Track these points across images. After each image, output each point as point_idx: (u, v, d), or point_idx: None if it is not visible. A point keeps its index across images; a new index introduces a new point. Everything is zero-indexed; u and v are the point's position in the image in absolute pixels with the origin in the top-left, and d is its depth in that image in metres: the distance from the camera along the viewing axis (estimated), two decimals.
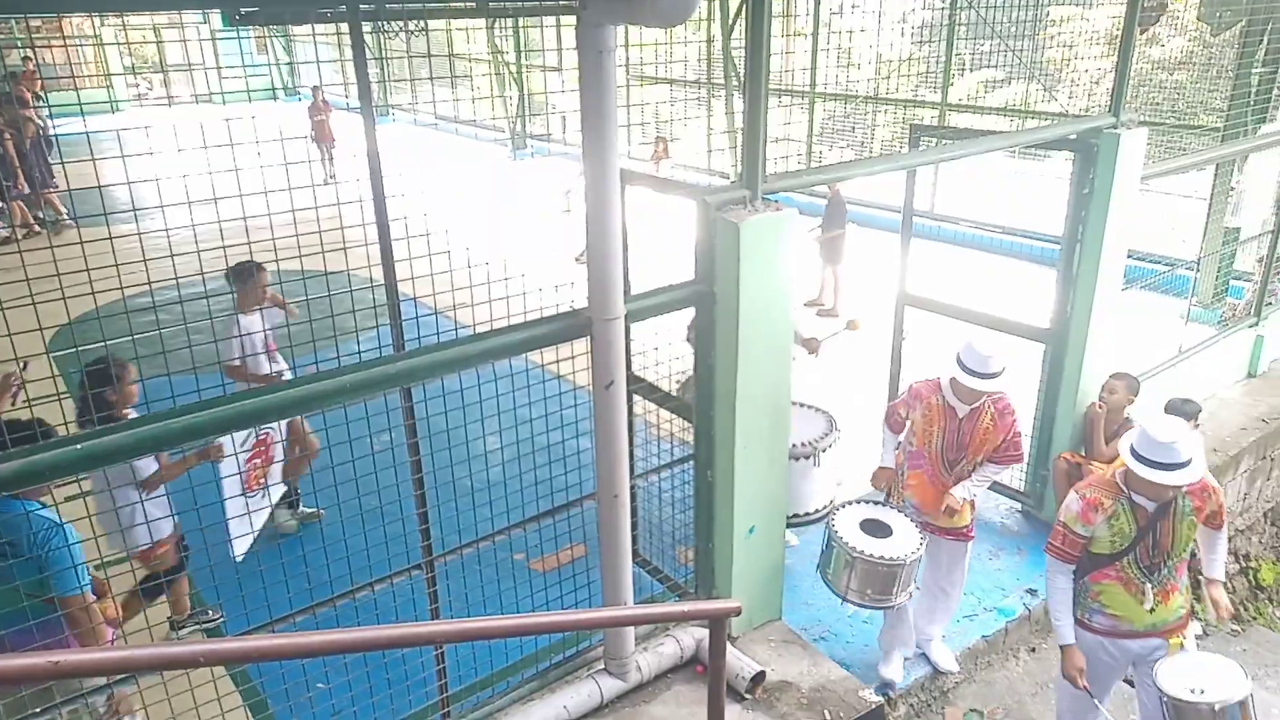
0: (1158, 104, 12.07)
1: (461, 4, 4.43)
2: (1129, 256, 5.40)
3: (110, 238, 2.86)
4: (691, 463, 4.19)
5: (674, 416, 4.40)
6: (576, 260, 9.06)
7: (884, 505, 4.22)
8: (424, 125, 20.01)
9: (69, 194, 9.66)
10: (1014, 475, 5.40)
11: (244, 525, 4.16)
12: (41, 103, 17.83)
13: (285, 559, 4.62)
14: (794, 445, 4.71)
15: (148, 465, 4.07)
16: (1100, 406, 5.07)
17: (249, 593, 3.90)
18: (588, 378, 3.54)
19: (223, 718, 3.16)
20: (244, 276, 4.92)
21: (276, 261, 3.48)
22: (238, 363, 4.87)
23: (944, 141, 5.48)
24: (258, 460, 4.43)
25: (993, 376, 3.86)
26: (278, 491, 4.70)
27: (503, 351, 3.26)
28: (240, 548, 4.16)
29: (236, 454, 4.09)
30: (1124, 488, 3.38)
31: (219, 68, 20.92)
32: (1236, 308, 7.52)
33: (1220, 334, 7.02)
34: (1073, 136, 4.96)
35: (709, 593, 4.20)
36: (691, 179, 12.52)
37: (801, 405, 5.19)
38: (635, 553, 4.34)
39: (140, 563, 4.25)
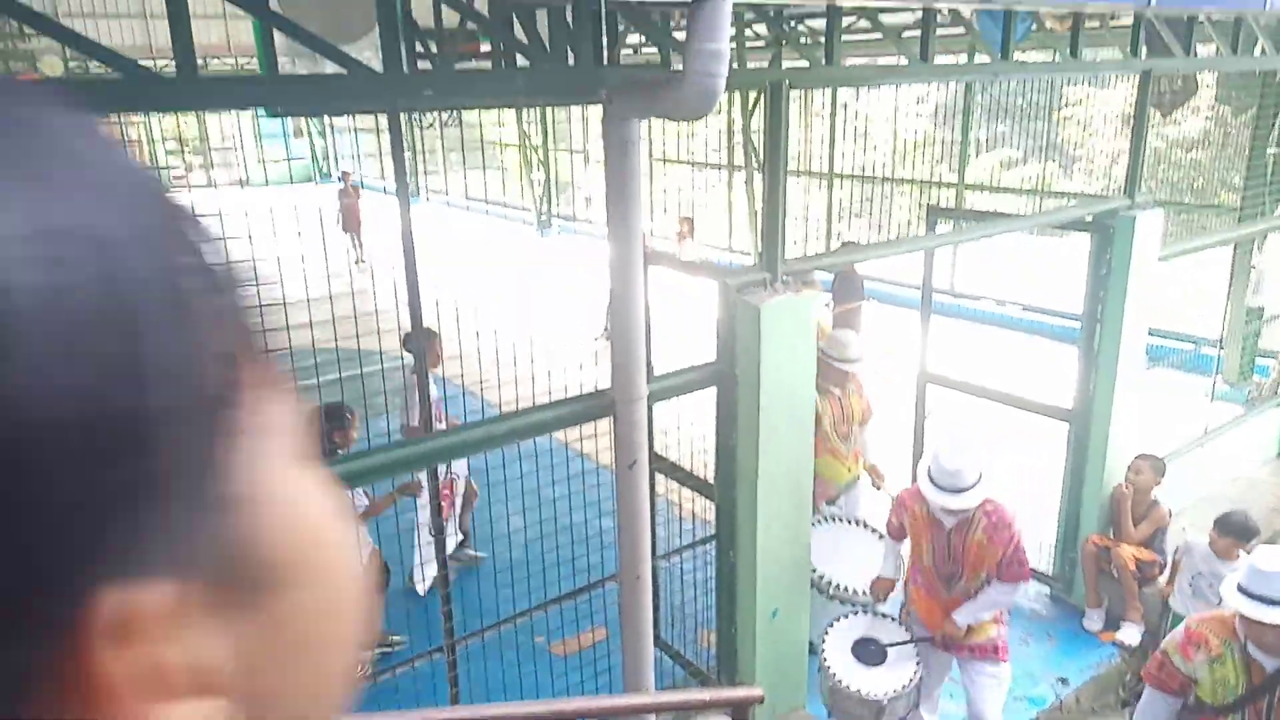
0: (1175, 182, 12.21)
1: (493, 100, 4.63)
2: (1151, 334, 5.41)
3: None
4: (714, 543, 4.17)
5: (696, 495, 4.42)
6: (596, 340, 9.17)
7: (889, 619, 3.96)
8: (455, 205, 20.54)
9: None
10: (1043, 558, 5.32)
11: (430, 560, 4.59)
12: None
13: None
14: (854, 590, 4.28)
15: (360, 500, 4.48)
16: (1127, 488, 5.01)
17: None
18: (610, 456, 3.58)
19: None
20: (423, 341, 5.10)
21: (313, 341, 3.57)
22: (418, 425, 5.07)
23: (961, 223, 5.58)
24: (442, 501, 4.73)
25: (966, 490, 3.43)
26: (451, 531, 5.04)
27: (528, 431, 3.31)
28: (425, 582, 4.65)
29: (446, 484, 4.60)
30: (1239, 633, 2.84)
31: (261, 158, 21.70)
32: (1263, 386, 7.44)
33: (1247, 413, 6.95)
34: (1089, 218, 5.03)
35: (732, 678, 4.13)
36: (715, 258, 12.72)
37: (873, 531, 4.64)
38: (657, 636, 4.30)
39: None
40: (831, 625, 3.95)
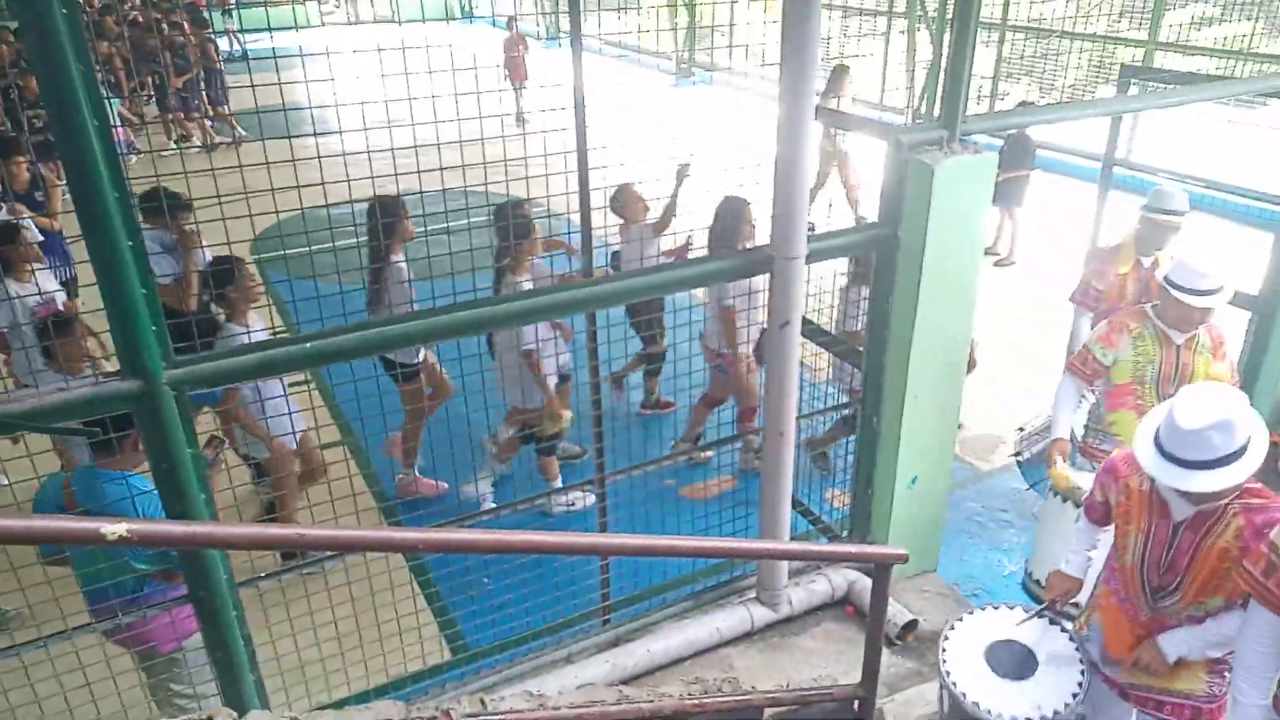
0: None
1: None
2: None
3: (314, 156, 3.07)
4: (854, 409, 4.18)
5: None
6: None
7: (1052, 620, 2.87)
8: (591, 51, 20.08)
9: (257, 113, 10.26)
10: None
11: None
12: (231, 19, 18.92)
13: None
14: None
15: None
16: None
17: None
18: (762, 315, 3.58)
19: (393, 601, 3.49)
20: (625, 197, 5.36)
21: (462, 183, 3.63)
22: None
23: (1157, 86, 5.07)
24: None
25: (1216, 467, 2.26)
26: None
27: (687, 283, 3.34)
28: None
29: None
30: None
31: None
32: None
33: None
34: None
35: (864, 537, 4.22)
36: (866, 114, 12.07)
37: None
38: None
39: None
40: (962, 619, 2.94)
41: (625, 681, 3.46)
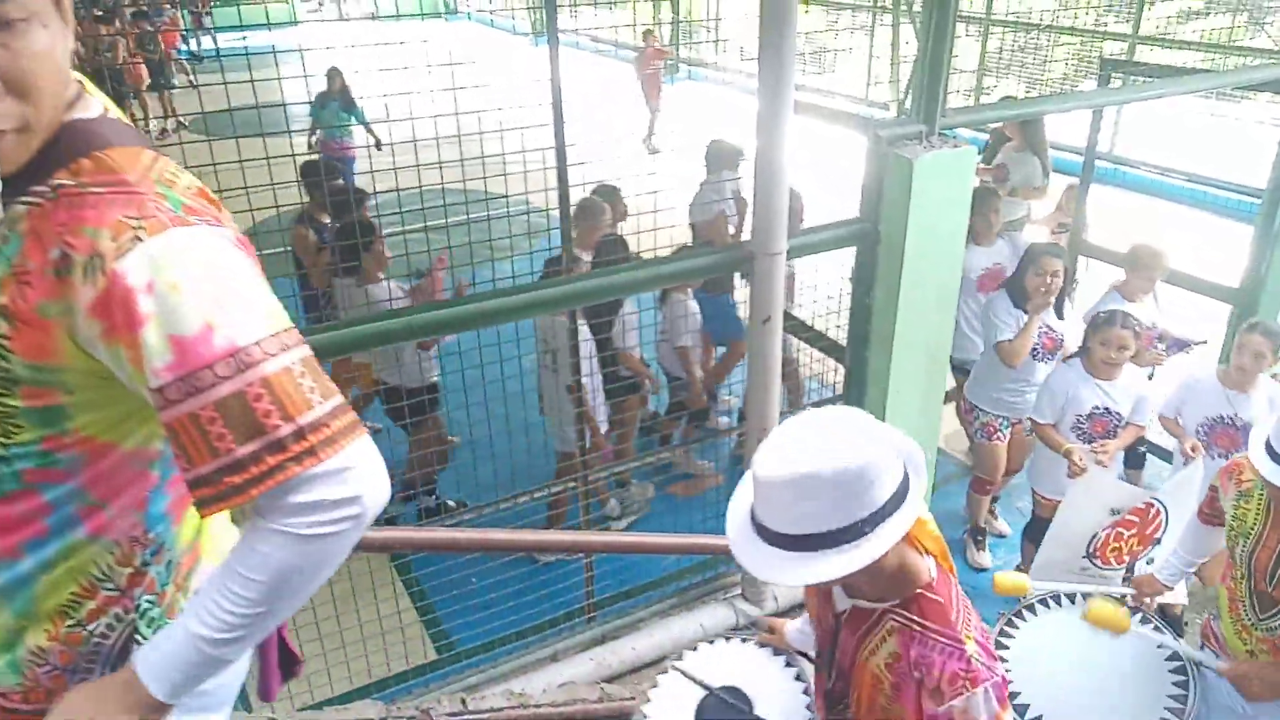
0: None
1: None
2: None
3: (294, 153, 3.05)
4: (837, 404, 4.18)
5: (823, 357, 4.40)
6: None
7: (786, 660, 2.02)
8: (583, 49, 19.97)
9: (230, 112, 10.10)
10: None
11: None
12: (210, 17, 18.63)
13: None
14: None
15: None
16: None
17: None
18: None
19: (388, 602, 3.48)
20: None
21: (448, 183, 3.63)
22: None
23: (1138, 79, 5.09)
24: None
25: None
26: None
27: (670, 279, 3.33)
28: None
29: None
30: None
31: None
32: None
33: None
34: None
35: None
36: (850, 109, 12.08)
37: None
38: None
39: None
40: (667, 671, 2.04)
41: (610, 679, 3.45)
